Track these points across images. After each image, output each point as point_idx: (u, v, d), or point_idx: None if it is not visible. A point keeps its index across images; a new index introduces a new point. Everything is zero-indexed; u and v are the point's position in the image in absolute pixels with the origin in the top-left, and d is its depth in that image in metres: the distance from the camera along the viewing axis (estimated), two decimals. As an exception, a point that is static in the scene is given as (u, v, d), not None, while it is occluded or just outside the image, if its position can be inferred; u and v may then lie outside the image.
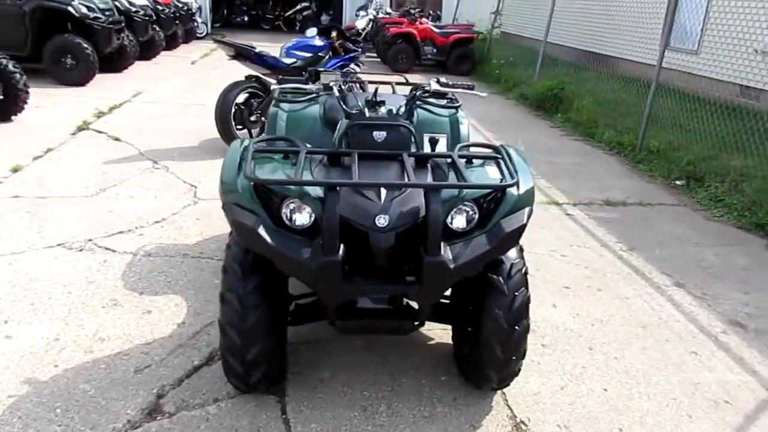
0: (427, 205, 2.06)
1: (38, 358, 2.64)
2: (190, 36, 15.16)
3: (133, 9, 10.76)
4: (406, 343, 2.92)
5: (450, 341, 2.78)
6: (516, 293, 2.28)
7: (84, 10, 8.83)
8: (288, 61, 6.07)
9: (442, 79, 3.08)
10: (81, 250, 3.67)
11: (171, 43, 13.40)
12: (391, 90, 3.67)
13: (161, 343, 2.81)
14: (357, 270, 2.17)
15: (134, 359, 2.68)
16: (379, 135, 2.37)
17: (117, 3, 10.20)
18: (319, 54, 6.32)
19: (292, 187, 2.11)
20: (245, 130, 5.78)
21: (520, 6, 14.24)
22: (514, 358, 2.35)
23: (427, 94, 2.85)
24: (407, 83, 3.69)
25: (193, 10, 15.38)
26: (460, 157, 2.40)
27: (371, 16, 14.44)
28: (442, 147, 2.87)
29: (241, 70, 6.08)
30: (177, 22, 13.56)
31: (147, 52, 11.60)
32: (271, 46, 7.31)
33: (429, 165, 2.40)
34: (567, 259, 4.01)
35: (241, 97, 5.73)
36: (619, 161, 6.70)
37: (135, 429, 2.28)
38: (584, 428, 2.45)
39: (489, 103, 9.65)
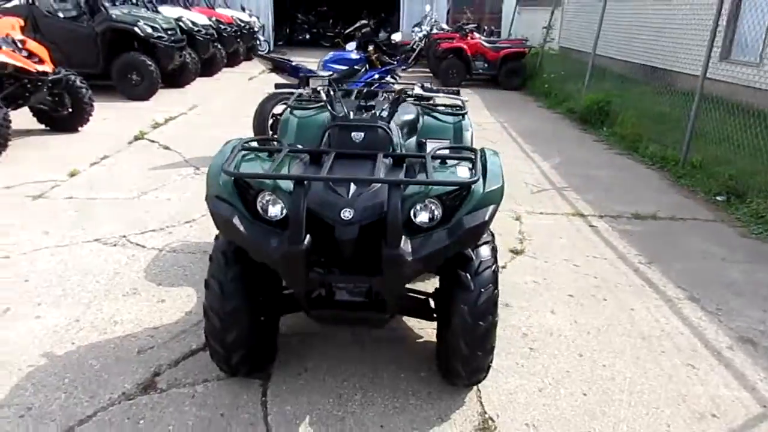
0: (387, 201, 2.19)
1: (59, 336, 2.93)
2: (252, 53, 15.85)
3: (196, 28, 11.43)
4: (394, 339, 3.04)
5: (436, 339, 2.88)
6: (482, 289, 2.36)
7: (149, 30, 9.49)
8: (324, 74, 6.33)
9: (426, 84, 3.20)
10: (114, 245, 4.00)
11: (232, 60, 14.08)
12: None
13: (167, 329, 3.05)
14: (328, 261, 2.32)
15: (140, 341, 2.93)
16: (357, 135, 2.52)
17: (181, 23, 10.88)
18: (355, 67, 6.55)
19: (268, 181, 2.29)
20: (282, 140, 6.05)
21: (573, 20, 14.09)
22: (479, 353, 2.41)
23: (411, 98, 2.97)
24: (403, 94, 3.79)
25: (256, 29, 16.08)
26: (436, 157, 2.52)
27: (425, 32, 14.66)
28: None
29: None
30: (238, 40, 14.24)
31: (208, 68, 12.25)
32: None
33: (404, 165, 2.52)
34: (578, 269, 4.00)
35: (278, 108, 6.02)
36: (659, 176, 6.54)
37: (129, 400, 2.51)
38: (552, 429, 2.48)
39: (534, 117, 9.65)
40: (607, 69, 10.60)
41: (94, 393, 2.53)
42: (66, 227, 4.26)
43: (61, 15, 9.31)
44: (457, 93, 3.03)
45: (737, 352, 3.16)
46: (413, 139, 3.44)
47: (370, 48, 6.84)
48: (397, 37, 9.46)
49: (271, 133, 6.01)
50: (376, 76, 6.65)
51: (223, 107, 9.36)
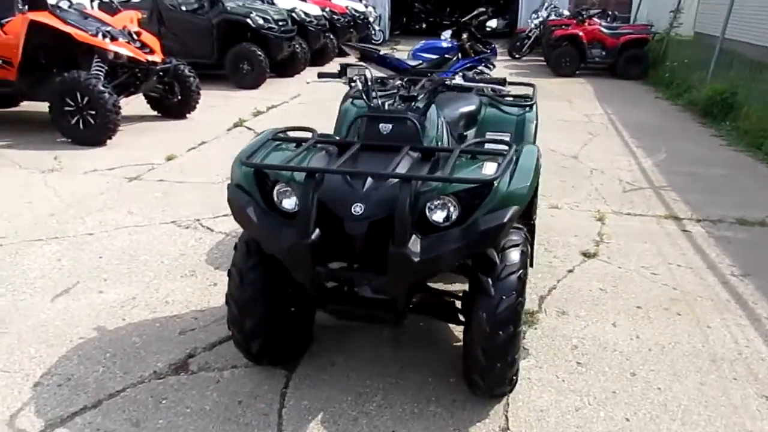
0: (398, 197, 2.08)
1: (113, 311, 3.13)
2: (365, 42, 16.03)
3: (308, 19, 11.75)
4: (432, 341, 2.92)
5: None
6: (504, 297, 2.18)
7: (260, 21, 9.90)
8: (413, 63, 6.23)
9: (469, 74, 3.00)
10: (187, 228, 4.22)
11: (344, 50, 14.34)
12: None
13: (212, 312, 3.15)
14: (341, 256, 2.26)
15: (184, 322, 3.05)
16: (385, 127, 2.42)
17: (294, 14, 11.24)
18: (446, 56, 6.38)
19: (285, 172, 2.26)
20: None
21: (708, 1, 12.77)
22: (498, 364, 2.24)
23: (446, 89, 2.80)
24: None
25: (371, 19, 16.27)
26: (465, 152, 2.36)
27: (541, 19, 14.03)
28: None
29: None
30: (351, 30, 14.47)
31: (320, 58, 12.56)
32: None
33: (432, 159, 2.38)
34: (656, 278, 3.62)
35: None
36: (783, 177, 5.77)
37: (159, 379, 2.62)
38: (579, 454, 2.25)
39: (648, 109, 8.93)
40: (738, 55, 9.49)
41: (129, 369, 2.67)
42: (149, 208, 4.55)
43: (183, 8, 9.98)
44: (504, 83, 2.82)
45: (833, 389, 2.69)
46: (471, 132, 3.28)
47: (464, 36, 6.62)
48: (492, 23, 9.09)
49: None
50: (468, 65, 6.45)
51: (324, 97, 9.51)
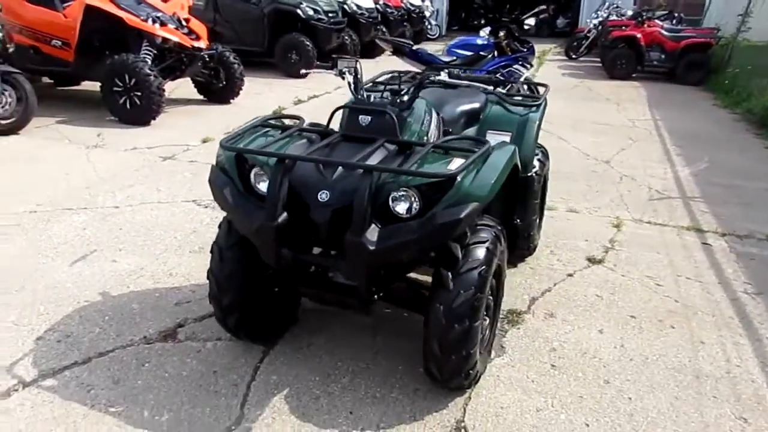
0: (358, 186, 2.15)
1: (120, 279, 3.34)
2: (419, 37, 16.01)
3: (360, 11, 11.88)
4: (411, 332, 2.96)
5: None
6: (462, 291, 2.22)
7: (310, 12, 10.10)
8: (446, 59, 6.25)
9: (455, 71, 3.00)
10: (206, 207, 4.41)
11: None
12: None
13: (208, 287, 3.30)
14: (308, 241, 2.35)
15: (182, 294, 3.22)
16: (364, 119, 2.49)
17: (345, 5, 11.39)
18: (481, 53, 6.36)
19: (261, 157, 2.37)
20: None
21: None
22: (453, 357, 2.28)
23: (434, 84, 2.82)
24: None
25: (426, 14, 16.23)
26: (438, 147, 2.40)
27: (601, 18, 13.63)
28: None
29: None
30: (405, 24, 14.50)
31: (371, 51, 12.67)
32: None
33: (408, 152, 2.43)
34: (658, 289, 3.53)
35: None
36: (830, 195, 5.45)
37: (147, 344, 2.80)
38: (528, 452, 2.27)
39: (700, 117, 8.59)
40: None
41: (121, 332, 2.86)
42: (176, 186, 4.79)
43: (238, -3, 10.30)
44: (496, 84, 2.82)
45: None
46: (472, 129, 3.30)
47: (501, 34, 6.57)
48: (531, 21, 8.93)
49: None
50: (503, 64, 6.41)
51: (368, 88, 9.66)
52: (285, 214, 2.24)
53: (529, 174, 3.30)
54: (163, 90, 6.52)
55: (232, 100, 7.95)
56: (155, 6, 6.94)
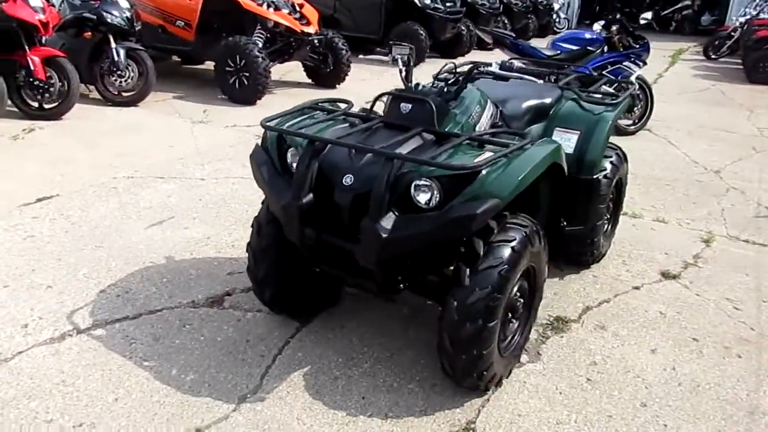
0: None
1: (186, 246, 3.59)
2: (545, 30, 15.40)
3: (480, 1, 11.66)
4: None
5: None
6: (477, 289, 2.15)
7: (426, 1, 10.07)
8: (549, 52, 5.99)
9: (518, 63, 2.85)
10: (283, 186, 4.59)
11: (520, 35, 13.95)
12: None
13: (264, 261, 3.45)
14: (335, 223, 2.37)
15: (236, 264, 3.40)
16: (405, 107, 2.48)
17: (467, -5, 11.23)
18: (588, 48, 6.02)
19: (297, 138, 2.43)
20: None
21: None
22: (464, 356, 2.21)
23: (490, 75, 2.70)
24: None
25: (555, 6, 15.59)
26: (473, 140, 2.34)
27: (749, 16, 12.32)
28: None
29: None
30: (530, 16, 14.02)
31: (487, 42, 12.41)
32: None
33: (444, 143, 2.37)
34: (735, 313, 3.18)
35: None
36: None
37: (193, 308, 2.99)
38: (533, 465, 2.16)
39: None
40: None
41: (173, 294, 3.08)
42: (238, 161, 5.01)
43: (355, -17, 10.51)
44: (549, 78, 2.65)
45: None
46: (539, 126, 3.15)
47: (614, 29, 6.17)
48: (648, 15, 8.21)
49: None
50: (611, 60, 6.03)
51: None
52: (311, 195, 2.29)
53: (594, 176, 3.10)
54: (269, 72, 6.84)
55: (337, 85, 8.17)
56: (271, -10, 7.28)
